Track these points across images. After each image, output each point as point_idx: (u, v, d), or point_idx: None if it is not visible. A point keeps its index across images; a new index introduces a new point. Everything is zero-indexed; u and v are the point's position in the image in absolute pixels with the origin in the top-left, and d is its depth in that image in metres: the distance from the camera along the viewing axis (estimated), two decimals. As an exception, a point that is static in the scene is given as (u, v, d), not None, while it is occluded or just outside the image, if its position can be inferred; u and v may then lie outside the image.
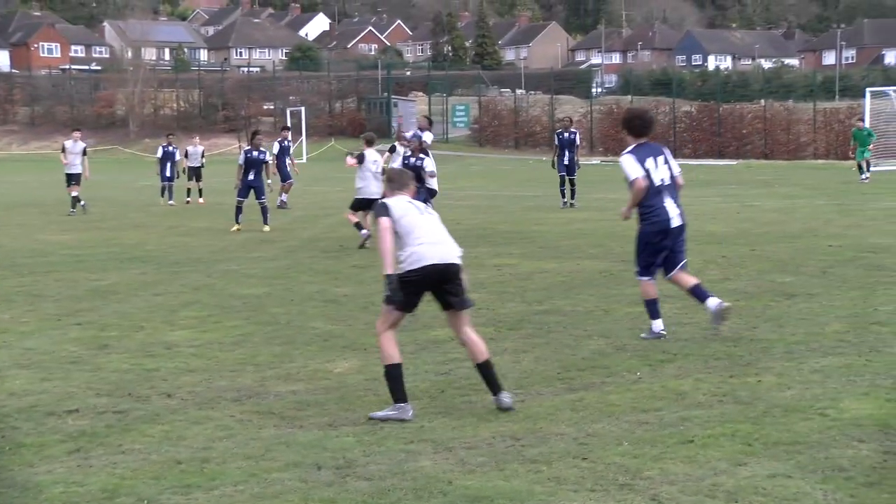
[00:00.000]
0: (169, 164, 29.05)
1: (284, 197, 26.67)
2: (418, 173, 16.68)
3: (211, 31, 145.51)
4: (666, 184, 9.39)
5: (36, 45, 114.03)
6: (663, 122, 57.62)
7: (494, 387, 7.41)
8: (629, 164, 9.38)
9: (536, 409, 7.44)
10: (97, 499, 5.85)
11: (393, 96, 70.13)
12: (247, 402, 7.77)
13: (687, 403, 7.51)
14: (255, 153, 20.99)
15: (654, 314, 9.67)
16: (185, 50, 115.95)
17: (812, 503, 5.59)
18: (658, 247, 9.38)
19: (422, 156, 17.76)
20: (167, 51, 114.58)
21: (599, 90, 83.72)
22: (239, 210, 20.92)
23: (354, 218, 17.62)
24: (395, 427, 7.05)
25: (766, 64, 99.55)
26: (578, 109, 64.76)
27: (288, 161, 27.11)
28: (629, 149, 9.56)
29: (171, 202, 28.25)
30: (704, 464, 6.20)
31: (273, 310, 11.64)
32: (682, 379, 8.21)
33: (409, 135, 19.49)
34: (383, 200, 7.60)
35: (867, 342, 9.40)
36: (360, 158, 17.61)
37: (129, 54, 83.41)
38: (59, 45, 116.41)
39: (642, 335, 9.65)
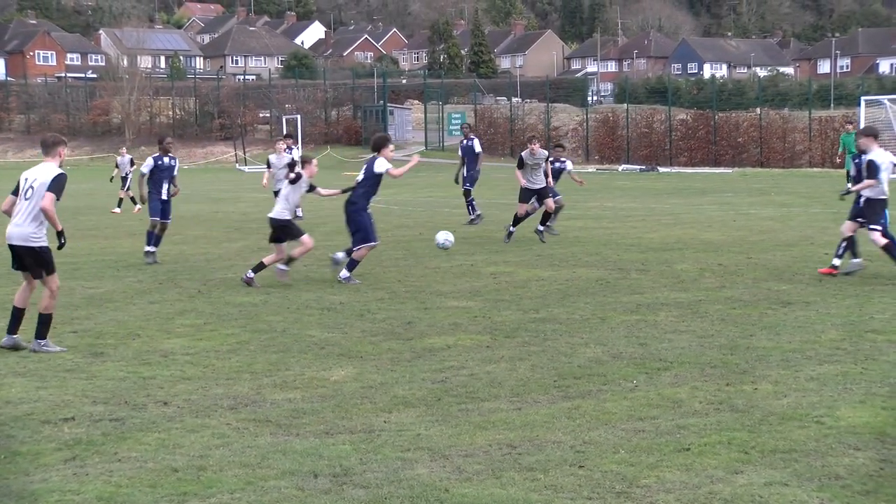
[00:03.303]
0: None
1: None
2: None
3: (206, 39, 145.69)
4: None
5: (32, 53, 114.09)
6: (659, 131, 57.73)
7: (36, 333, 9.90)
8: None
9: (533, 416, 7.45)
10: (93, 507, 5.84)
11: (389, 104, 70.24)
12: (243, 410, 7.76)
13: (683, 411, 7.52)
14: (165, 159, 16.86)
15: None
16: (181, 58, 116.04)
17: (809, 511, 5.60)
18: None
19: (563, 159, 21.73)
20: (163, 59, 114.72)
21: (595, 98, 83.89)
22: (150, 236, 16.82)
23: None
24: (392, 435, 7.05)
25: (762, 72, 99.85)
26: (574, 118, 64.88)
27: None
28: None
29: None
30: (701, 472, 6.20)
31: (269, 318, 11.64)
32: (678, 387, 8.22)
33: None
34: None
35: (863, 350, 9.43)
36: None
37: (125, 62, 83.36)
38: (54, 53, 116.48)
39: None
